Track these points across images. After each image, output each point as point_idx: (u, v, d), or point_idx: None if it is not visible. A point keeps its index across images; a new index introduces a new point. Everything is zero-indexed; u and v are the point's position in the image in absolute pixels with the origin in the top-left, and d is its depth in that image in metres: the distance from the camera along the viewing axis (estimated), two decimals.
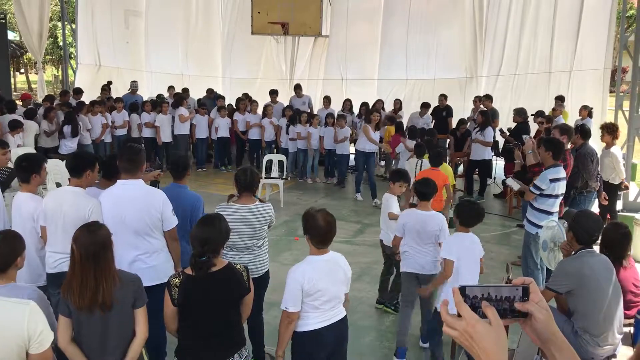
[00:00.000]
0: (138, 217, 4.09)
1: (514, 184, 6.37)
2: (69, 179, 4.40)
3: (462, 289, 1.34)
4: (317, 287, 3.48)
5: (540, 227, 5.76)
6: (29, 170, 4.44)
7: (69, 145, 10.43)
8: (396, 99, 13.19)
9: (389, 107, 13.33)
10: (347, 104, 12.97)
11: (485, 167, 10.72)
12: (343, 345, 3.77)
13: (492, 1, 13.61)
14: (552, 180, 5.78)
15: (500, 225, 9.16)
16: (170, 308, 3.19)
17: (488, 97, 11.82)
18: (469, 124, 11.61)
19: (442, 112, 12.37)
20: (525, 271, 6.03)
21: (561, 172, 5.91)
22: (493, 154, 10.72)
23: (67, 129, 10.55)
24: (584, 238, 4.24)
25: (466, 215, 4.56)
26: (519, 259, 7.41)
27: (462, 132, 11.34)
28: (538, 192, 5.85)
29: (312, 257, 3.58)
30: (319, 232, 3.50)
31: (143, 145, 11.27)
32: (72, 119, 10.66)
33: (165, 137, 12.19)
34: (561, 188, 5.90)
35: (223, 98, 13.62)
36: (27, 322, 2.41)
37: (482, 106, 11.73)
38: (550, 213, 5.88)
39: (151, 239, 4.17)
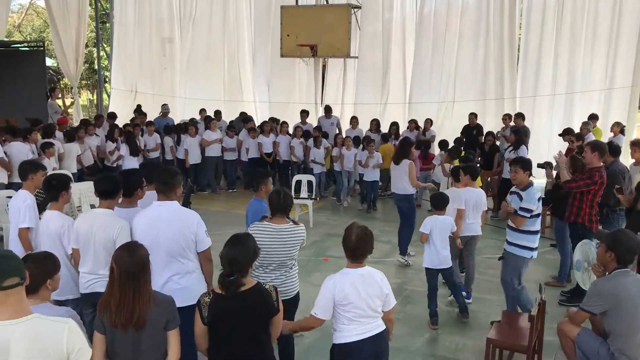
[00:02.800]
0: (172, 238, 4.13)
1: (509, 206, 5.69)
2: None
3: None
4: (349, 299, 3.55)
5: (534, 249, 5.69)
6: (58, 188, 4.65)
7: (130, 165, 10.69)
8: (427, 119, 13.16)
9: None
10: (374, 124, 12.97)
11: None
12: (382, 359, 3.77)
13: (525, 21, 13.66)
14: (538, 200, 5.63)
15: None
16: (200, 327, 3.22)
17: (520, 115, 11.72)
18: (498, 142, 11.52)
19: (473, 130, 12.27)
20: (508, 293, 5.88)
21: (537, 191, 5.78)
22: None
23: (125, 148, 11.09)
24: (625, 258, 4.14)
25: (435, 202, 6.36)
26: (552, 279, 7.28)
27: (489, 145, 11.18)
28: (529, 215, 5.58)
29: (347, 269, 3.67)
30: (348, 247, 3.62)
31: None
32: (131, 139, 11.13)
33: (194, 159, 12.36)
34: (541, 206, 5.73)
35: (252, 120, 13.78)
36: (67, 339, 2.45)
37: (512, 124, 11.65)
38: (537, 232, 5.74)
39: (184, 260, 4.20)
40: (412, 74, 15.12)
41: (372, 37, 15.50)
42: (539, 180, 7.95)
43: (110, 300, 2.97)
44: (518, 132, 10.51)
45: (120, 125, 12.35)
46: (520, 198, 5.59)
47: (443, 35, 14.67)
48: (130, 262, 2.98)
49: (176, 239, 4.14)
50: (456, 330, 6.05)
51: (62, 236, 4.53)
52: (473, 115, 12.43)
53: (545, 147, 13.08)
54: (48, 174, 8.85)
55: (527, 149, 10.57)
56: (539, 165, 7.69)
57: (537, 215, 5.66)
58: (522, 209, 5.55)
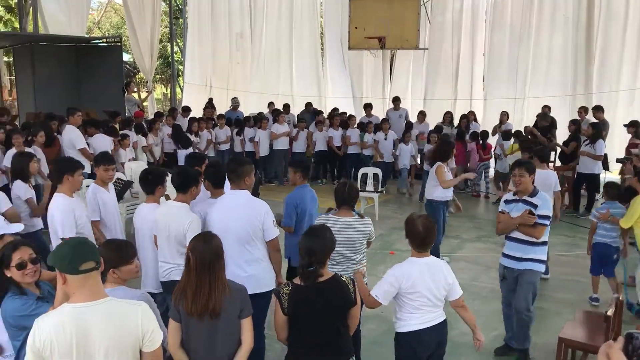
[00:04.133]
0: (241, 226, 4.24)
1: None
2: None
3: (629, 335, 1.32)
4: (415, 287, 3.62)
5: (545, 262, 5.10)
6: (154, 182, 4.81)
7: (182, 158, 10.99)
8: (469, 111, 12.85)
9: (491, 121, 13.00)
10: (447, 117, 12.79)
11: (593, 182, 10.15)
12: (443, 348, 3.87)
13: (604, 12, 13.04)
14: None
15: None
16: (280, 317, 3.29)
17: (598, 108, 11.22)
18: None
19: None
20: (521, 316, 5.06)
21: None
22: (602, 168, 10.15)
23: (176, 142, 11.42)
24: None
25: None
26: (630, 278, 6.95)
27: (571, 133, 10.78)
28: (549, 222, 4.92)
29: (414, 258, 3.73)
30: (417, 236, 3.67)
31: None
32: (180, 133, 11.46)
33: (264, 151, 12.59)
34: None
35: (321, 113, 13.87)
36: (141, 320, 2.55)
37: (587, 117, 11.23)
38: (546, 243, 5.08)
39: (252, 248, 4.31)
40: (487, 67, 14.73)
41: (441, 28, 15.24)
42: (613, 175, 7.65)
43: (187, 288, 3.06)
44: (596, 126, 10.11)
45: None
46: (534, 206, 4.90)
47: (518, 27, 14.21)
48: (206, 251, 3.06)
49: (244, 226, 4.25)
50: None
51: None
52: (547, 108, 12.02)
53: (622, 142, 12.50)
54: (124, 164, 9.30)
55: (605, 143, 10.15)
56: (618, 160, 7.38)
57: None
58: (541, 216, 4.86)
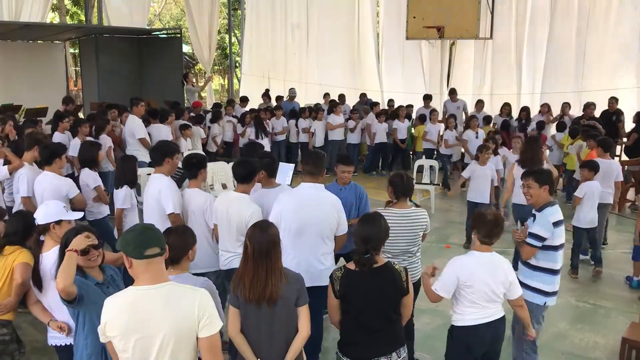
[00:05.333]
0: (323, 220, 4.28)
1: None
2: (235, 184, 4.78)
3: None
4: (473, 280, 3.59)
5: (548, 294, 4.30)
6: (197, 166, 4.95)
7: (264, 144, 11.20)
8: (544, 103, 12.48)
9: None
10: (506, 110, 12.49)
11: None
12: (498, 345, 3.83)
13: None
14: (555, 224, 4.27)
15: None
16: (333, 300, 3.37)
17: None
18: None
19: (612, 116, 11.40)
20: (518, 355, 4.42)
21: (560, 212, 4.36)
22: None
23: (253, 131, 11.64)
24: None
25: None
26: None
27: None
28: (540, 244, 4.27)
29: (476, 252, 3.70)
30: (487, 226, 3.63)
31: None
32: (260, 122, 11.67)
33: (319, 142, 12.62)
34: (563, 234, 4.34)
35: (378, 104, 13.76)
36: (198, 305, 2.61)
37: None
38: (556, 272, 4.35)
39: (329, 242, 4.37)
40: (549, 59, 14.24)
41: (504, 17, 14.79)
42: None
43: (244, 276, 3.13)
44: None
45: (249, 110, 12.87)
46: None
47: (585, 15, 13.66)
48: (263, 239, 3.11)
49: (326, 221, 4.29)
50: (587, 327, 5.73)
51: (205, 211, 4.85)
52: (614, 100, 11.53)
53: None
54: (183, 153, 9.51)
55: None
56: None
57: (556, 248, 4.31)
58: (530, 235, 4.31)
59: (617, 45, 13.42)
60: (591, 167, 6.93)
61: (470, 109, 13.37)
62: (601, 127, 10.43)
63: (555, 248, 4.27)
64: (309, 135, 12.63)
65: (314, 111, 12.88)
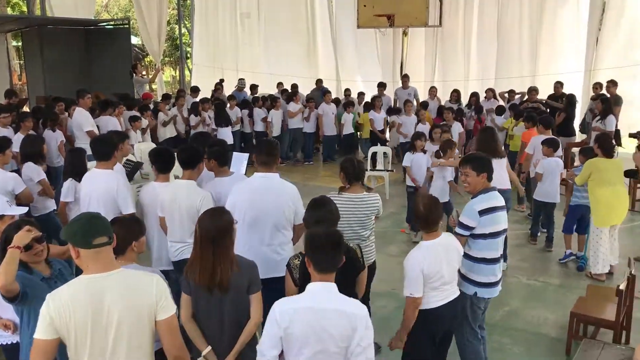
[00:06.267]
0: (278, 210, 4.23)
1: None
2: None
3: None
4: (436, 270, 3.62)
5: (479, 284, 4.11)
6: (170, 161, 4.81)
7: (224, 135, 11.02)
8: (488, 88, 12.74)
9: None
10: (454, 95, 12.65)
11: None
12: (454, 323, 3.93)
13: None
14: (483, 212, 4.08)
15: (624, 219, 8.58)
16: (292, 289, 3.35)
17: (614, 83, 11.02)
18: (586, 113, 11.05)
19: (558, 100, 11.67)
20: (460, 341, 4.29)
21: (494, 199, 4.15)
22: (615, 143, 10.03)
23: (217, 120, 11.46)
24: None
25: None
26: None
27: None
28: (468, 233, 4.10)
29: (426, 242, 3.71)
30: (420, 217, 3.70)
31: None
32: (221, 110, 11.53)
33: (275, 131, 12.51)
34: (499, 222, 4.13)
35: (330, 93, 13.64)
36: (155, 288, 2.60)
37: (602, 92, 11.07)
38: (489, 261, 4.12)
39: (285, 231, 4.32)
40: (498, 46, 14.53)
41: (452, 4, 15.00)
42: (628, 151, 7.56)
43: (195, 260, 3.10)
44: (606, 101, 9.97)
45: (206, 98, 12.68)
46: None
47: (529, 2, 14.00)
48: (211, 226, 3.08)
49: (281, 210, 4.24)
50: (538, 304, 5.89)
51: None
52: (559, 84, 11.84)
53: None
54: (134, 145, 9.30)
55: (617, 119, 10.03)
56: (631, 135, 7.30)
57: (486, 236, 4.09)
58: (459, 223, 4.16)
59: (564, 31, 13.78)
60: (550, 144, 7.19)
61: (425, 96, 13.48)
62: (545, 109, 10.74)
63: (485, 237, 4.05)
64: (267, 124, 12.47)
65: (271, 101, 12.76)
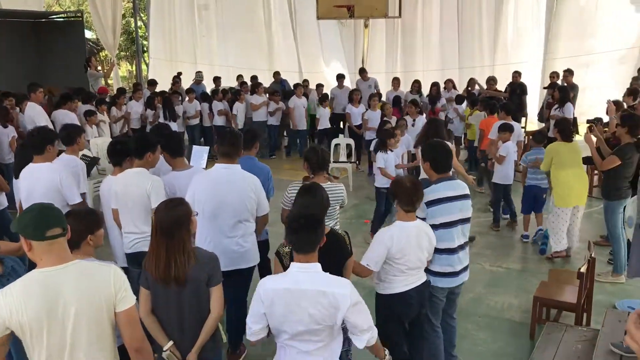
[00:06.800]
0: (239, 202, 4.16)
1: None
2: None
3: None
4: (404, 252, 3.60)
5: (432, 272, 3.98)
6: (123, 153, 4.65)
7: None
8: (447, 79, 12.81)
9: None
10: (415, 85, 12.67)
11: None
12: (423, 309, 3.91)
13: None
14: (430, 204, 3.94)
15: None
16: None
17: (570, 72, 11.26)
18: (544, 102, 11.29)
19: (516, 89, 11.88)
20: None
21: (449, 189, 4.00)
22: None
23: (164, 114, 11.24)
24: None
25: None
26: (601, 238, 7.06)
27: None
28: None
29: (402, 222, 3.68)
30: (407, 193, 3.63)
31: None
32: (169, 105, 11.28)
33: (240, 124, 12.26)
34: (451, 212, 3.96)
35: (300, 86, 13.30)
36: (113, 279, 2.52)
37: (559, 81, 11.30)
38: (447, 251, 3.98)
39: (247, 223, 4.25)
40: (460, 36, 14.64)
41: None
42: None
43: (151, 253, 3.00)
44: (563, 90, 10.17)
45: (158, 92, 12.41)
46: None
47: None
48: (166, 217, 2.97)
49: (243, 201, 4.17)
50: (501, 290, 5.95)
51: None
52: (517, 74, 12.02)
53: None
54: (90, 140, 9.05)
55: (574, 106, 10.24)
56: (589, 122, 7.44)
57: (436, 227, 3.91)
58: None
59: (524, 21, 14.00)
60: (506, 128, 7.55)
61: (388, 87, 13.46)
62: (503, 98, 10.91)
63: (435, 227, 3.89)
64: (232, 117, 12.24)
65: (234, 94, 12.55)
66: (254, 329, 2.86)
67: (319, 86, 13.59)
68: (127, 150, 4.66)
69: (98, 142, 9.10)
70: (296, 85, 13.13)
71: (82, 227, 3.04)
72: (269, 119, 12.61)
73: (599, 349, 3.92)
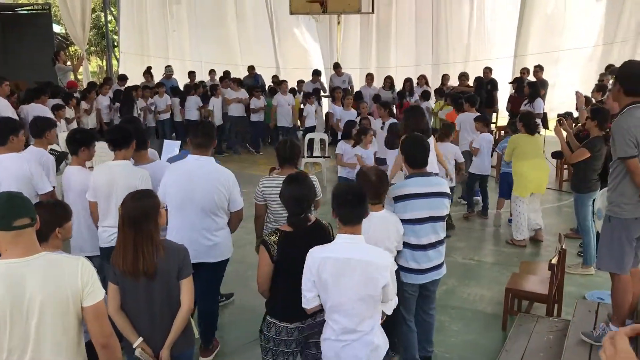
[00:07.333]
0: (207, 195, 4.08)
1: None
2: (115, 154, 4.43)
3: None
4: (377, 241, 3.54)
5: (402, 268, 3.90)
6: (80, 142, 4.52)
7: None
8: (420, 75, 12.86)
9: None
10: (388, 81, 12.69)
11: None
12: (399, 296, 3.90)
13: None
14: (398, 199, 3.89)
15: (552, 199, 8.94)
16: (268, 266, 3.19)
17: (540, 68, 11.48)
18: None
19: (487, 85, 12.01)
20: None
21: (420, 185, 3.92)
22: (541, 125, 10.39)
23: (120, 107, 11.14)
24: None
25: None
26: (571, 231, 7.16)
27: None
28: None
29: (376, 213, 3.66)
30: (373, 186, 3.64)
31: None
32: (129, 98, 11.14)
33: (217, 120, 12.08)
34: (419, 209, 3.87)
35: (285, 82, 13.06)
36: (80, 273, 2.44)
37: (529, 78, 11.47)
38: (413, 247, 3.92)
39: (216, 217, 4.18)
40: (433, 32, 14.73)
41: None
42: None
43: (119, 246, 2.94)
44: (533, 85, 10.30)
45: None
46: None
47: None
48: (133, 208, 2.91)
49: (211, 195, 4.10)
50: (474, 282, 5.99)
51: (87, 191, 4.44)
52: (488, 70, 12.17)
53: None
54: (58, 135, 8.84)
55: (544, 101, 10.37)
56: (559, 116, 7.53)
57: (407, 222, 3.86)
58: None
59: (497, 18, 14.16)
60: (481, 120, 8.04)
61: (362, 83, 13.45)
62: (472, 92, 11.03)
63: (403, 222, 3.84)
64: (209, 112, 12.03)
65: (211, 88, 12.40)
66: (308, 297, 3.01)
67: (300, 82, 13.53)
68: (84, 140, 4.54)
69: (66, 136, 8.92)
70: (280, 82, 12.94)
71: (50, 219, 2.94)
72: (252, 116, 12.41)
73: (570, 338, 3.97)
